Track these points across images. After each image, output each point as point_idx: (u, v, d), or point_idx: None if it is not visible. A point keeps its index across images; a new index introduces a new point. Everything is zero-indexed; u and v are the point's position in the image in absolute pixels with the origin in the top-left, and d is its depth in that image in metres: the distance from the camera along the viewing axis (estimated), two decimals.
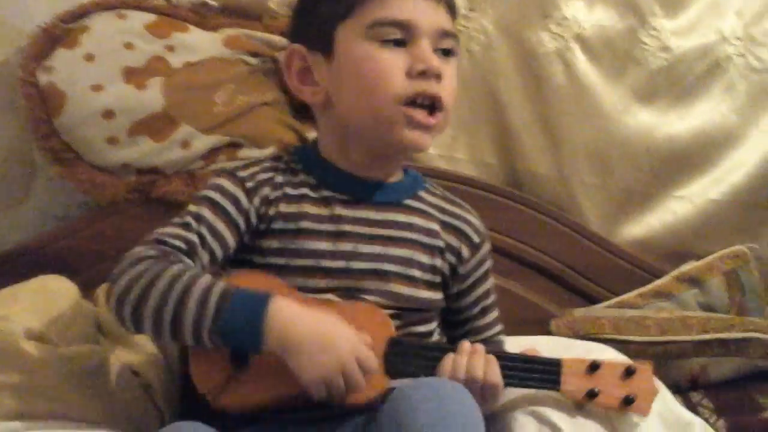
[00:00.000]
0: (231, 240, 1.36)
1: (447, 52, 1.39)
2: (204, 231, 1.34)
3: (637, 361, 1.38)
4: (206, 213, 1.35)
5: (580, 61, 2.24)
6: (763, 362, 2.00)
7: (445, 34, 1.38)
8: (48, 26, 1.92)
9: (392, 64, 1.34)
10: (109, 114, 1.89)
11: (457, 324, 1.53)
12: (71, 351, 1.46)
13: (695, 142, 2.30)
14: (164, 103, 1.93)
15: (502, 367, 1.33)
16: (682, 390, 2.00)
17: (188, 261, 1.31)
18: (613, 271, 2.23)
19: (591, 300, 2.21)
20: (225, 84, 1.98)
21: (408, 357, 1.33)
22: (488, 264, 1.54)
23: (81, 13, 1.95)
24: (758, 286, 2.22)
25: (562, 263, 2.20)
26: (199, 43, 2.00)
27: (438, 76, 1.35)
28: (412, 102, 1.35)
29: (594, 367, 1.34)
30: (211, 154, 1.97)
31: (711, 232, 2.31)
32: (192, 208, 1.37)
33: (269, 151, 1.99)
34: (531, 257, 2.19)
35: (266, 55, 2.04)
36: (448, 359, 1.32)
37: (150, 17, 1.99)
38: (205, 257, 1.34)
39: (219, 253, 1.35)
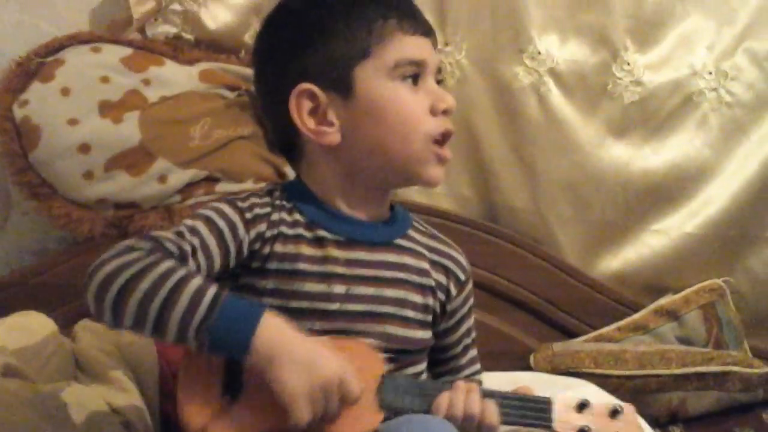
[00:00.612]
0: (218, 261, 1.32)
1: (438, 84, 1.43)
2: (196, 243, 1.30)
3: (621, 402, 1.38)
4: (202, 228, 1.32)
5: (555, 95, 2.26)
6: (741, 395, 2.00)
7: (438, 69, 1.44)
8: (23, 60, 1.92)
9: (418, 103, 1.36)
10: (85, 148, 1.88)
11: (439, 362, 1.51)
12: (49, 388, 1.44)
13: (670, 175, 2.31)
14: (141, 137, 1.92)
15: (497, 405, 1.31)
16: (661, 424, 2.00)
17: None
18: (590, 305, 2.23)
19: (569, 333, 2.21)
20: (201, 118, 1.98)
21: (401, 393, 1.31)
22: (471, 302, 1.53)
23: (56, 47, 1.95)
24: (735, 319, 2.23)
25: (539, 297, 2.21)
26: (175, 77, 2.00)
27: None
28: (438, 140, 1.37)
29: (583, 405, 1.33)
30: (188, 188, 1.96)
31: (687, 265, 2.32)
32: (188, 221, 1.34)
33: (246, 185, 1.98)
34: (508, 291, 2.19)
35: (242, 89, 2.04)
36: (445, 397, 1.30)
37: (125, 51, 1.99)
38: (192, 268, 1.29)
39: (204, 269, 1.31)
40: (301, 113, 1.37)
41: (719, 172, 2.33)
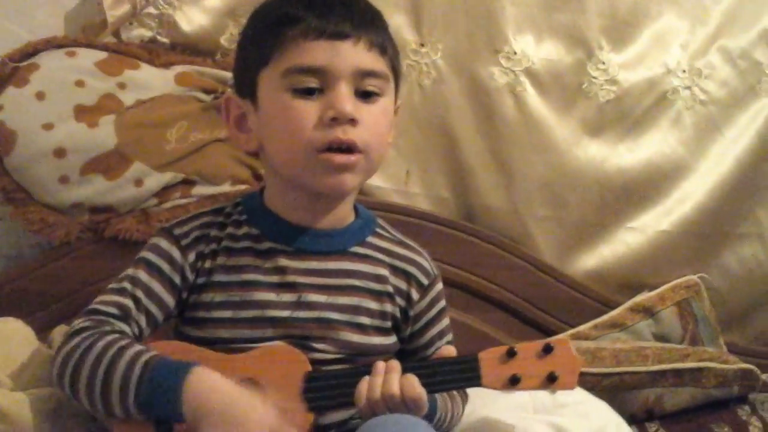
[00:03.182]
0: (169, 297, 1.37)
1: (369, 94, 1.36)
2: (139, 293, 1.35)
3: (554, 338, 1.37)
4: (141, 275, 1.37)
5: (530, 95, 2.26)
6: (717, 391, 2.01)
7: (367, 74, 1.35)
8: None
9: (304, 113, 1.31)
10: (60, 152, 1.88)
11: None
12: (27, 394, 1.43)
13: (645, 173, 2.32)
14: (116, 140, 1.91)
15: (421, 376, 1.30)
16: (638, 420, 2.00)
17: (122, 326, 1.32)
18: (567, 303, 2.24)
19: (546, 332, 2.21)
20: (178, 121, 1.97)
21: (328, 389, 1.32)
22: (441, 305, 1.52)
23: (30, 52, 1.94)
24: (710, 315, 2.25)
25: (516, 296, 2.21)
26: (151, 81, 1.99)
27: (352, 121, 1.32)
28: (328, 149, 1.32)
29: (511, 353, 1.32)
30: (165, 191, 1.96)
31: (663, 262, 2.33)
32: (129, 271, 1.38)
33: (224, 188, 1.98)
34: (486, 290, 2.19)
35: (218, 92, 2.03)
36: (364, 382, 1.30)
37: (100, 55, 1.98)
38: (141, 319, 1.35)
39: (157, 312, 1.37)
40: (227, 119, 1.42)
41: (694, 169, 2.35)
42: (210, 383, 1.23)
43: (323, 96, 1.32)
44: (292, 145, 1.33)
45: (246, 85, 1.39)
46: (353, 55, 1.33)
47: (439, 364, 1.36)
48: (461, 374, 1.33)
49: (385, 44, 1.39)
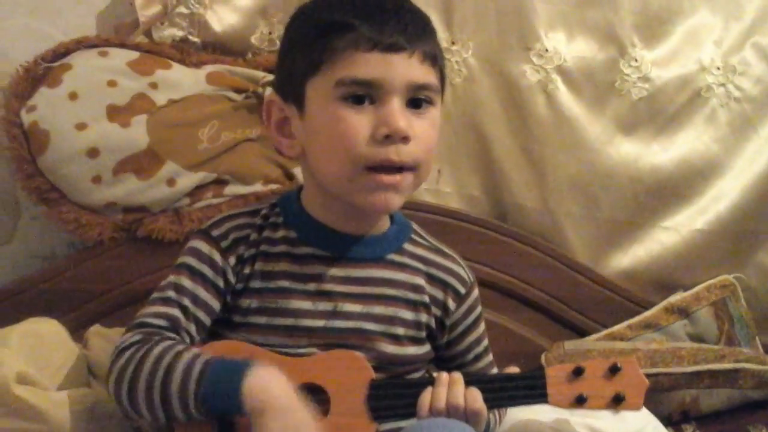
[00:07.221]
0: (215, 303, 1.36)
1: (421, 103, 1.33)
2: (186, 301, 1.34)
3: (621, 357, 1.36)
4: (185, 281, 1.35)
5: (562, 92, 2.24)
6: (753, 392, 1.99)
7: (419, 87, 1.32)
8: (30, 66, 1.91)
9: (356, 126, 1.28)
10: (93, 152, 1.88)
11: (451, 371, 1.51)
12: (63, 395, 1.44)
13: (679, 172, 2.29)
14: (149, 140, 1.92)
15: (486, 390, 1.30)
16: (673, 422, 1.98)
17: (172, 336, 1.31)
18: (601, 303, 2.22)
19: (580, 332, 2.20)
20: (209, 120, 1.97)
21: (390, 397, 1.31)
22: (477, 312, 1.51)
23: (63, 52, 1.95)
24: (746, 315, 2.22)
25: (550, 295, 2.19)
26: (183, 80, 2.00)
27: (405, 138, 1.29)
28: (378, 167, 1.30)
29: (578, 371, 1.31)
30: (197, 191, 1.96)
31: (698, 262, 2.30)
32: (171, 278, 1.37)
33: (255, 187, 1.98)
34: (519, 290, 2.17)
35: (250, 91, 2.03)
36: (427, 393, 1.30)
37: (132, 55, 1.98)
38: (191, 327, 1.34)
39: (205, 318, 1.36)
40: (269, 122, 1.39)
41: (728, 168, 2.31)
42: (269, 382, 1.22)
43: (375, 108, 1.29)
44: (340, 159, 1.30)
45: (292, 91, 1.35)
46: (407, 68, 1.30)
47: (505, 378, 1.35)
48: (527, 390, 1.33)
49: (436, 53, 1.36)
